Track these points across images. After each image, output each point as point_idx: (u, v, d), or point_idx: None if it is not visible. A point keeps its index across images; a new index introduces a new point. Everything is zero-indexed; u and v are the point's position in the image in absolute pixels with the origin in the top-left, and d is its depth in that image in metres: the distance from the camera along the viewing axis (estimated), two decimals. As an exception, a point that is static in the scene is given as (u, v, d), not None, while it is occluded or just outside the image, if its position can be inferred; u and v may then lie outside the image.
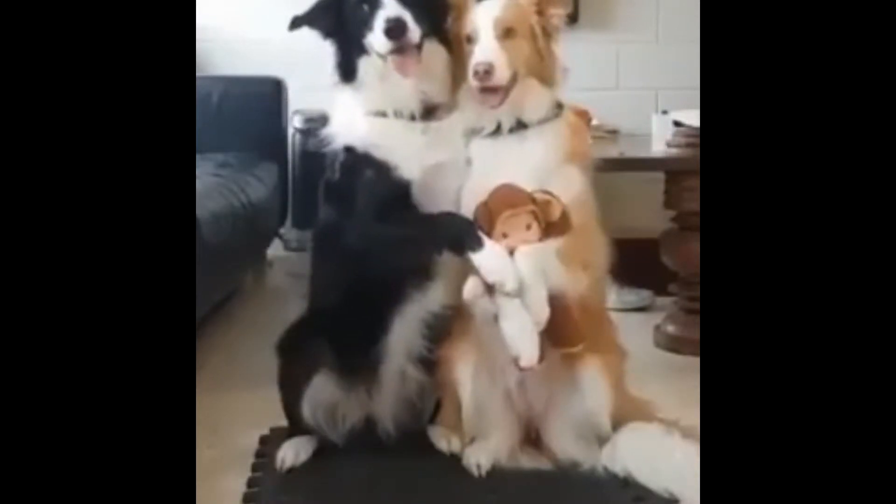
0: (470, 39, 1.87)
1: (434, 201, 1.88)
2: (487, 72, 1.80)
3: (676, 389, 2.22)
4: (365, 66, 1.89)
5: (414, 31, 1.81)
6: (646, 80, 3.77)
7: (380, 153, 1.87)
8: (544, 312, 1.75)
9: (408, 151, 1.87)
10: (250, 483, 1.95)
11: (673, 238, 2.92)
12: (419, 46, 1.83)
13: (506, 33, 1.85)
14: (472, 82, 1.83)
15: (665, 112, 3.03)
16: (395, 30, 1.79)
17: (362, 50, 1.88)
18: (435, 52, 1.89)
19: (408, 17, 1.80)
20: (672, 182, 2.88)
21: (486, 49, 1.83)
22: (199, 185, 2.67)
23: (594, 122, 3.41)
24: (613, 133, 3.48)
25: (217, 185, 2.92)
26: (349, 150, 1.92)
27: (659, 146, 2.93)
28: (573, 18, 3.80)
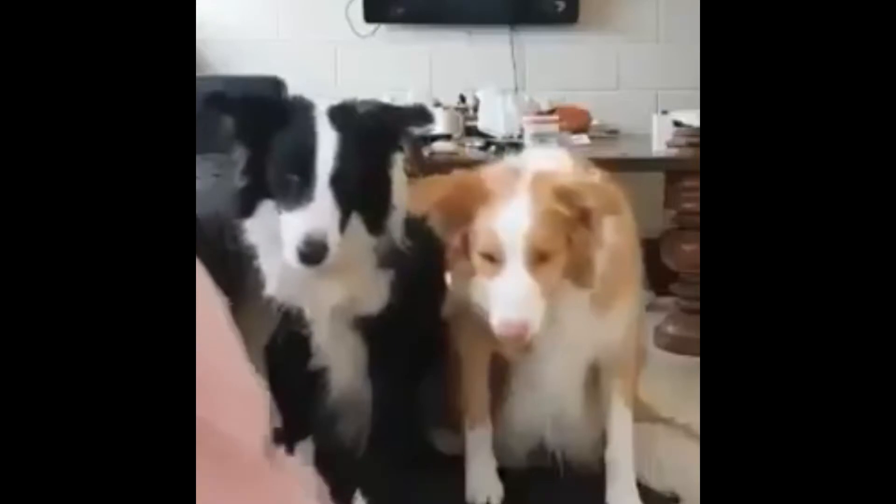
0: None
1: None
2: None
3: (676, 389, 2.22)
4: (261, 224, 1.62)
5: (335, 248, 1.48)
6: (646, 80, 3.78)
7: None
8: None
9: None
10: (250, 483, 1.95)
11: (673, 238, 2.92)
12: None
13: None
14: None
15: (665, 112, 3.03)
16: (313, 256, 1.47)
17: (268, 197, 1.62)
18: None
19: (333, 229, 1.48)
20: (672, 182, 2.88)
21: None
22: (200, 185, 2.66)
23: (594, 122, 3.43)
24: (613, 133, 3.49)
25: (217, 185, 2.91)
26: None
27: (659, 146, 2.93)
28: (573, 18, 3.82)
